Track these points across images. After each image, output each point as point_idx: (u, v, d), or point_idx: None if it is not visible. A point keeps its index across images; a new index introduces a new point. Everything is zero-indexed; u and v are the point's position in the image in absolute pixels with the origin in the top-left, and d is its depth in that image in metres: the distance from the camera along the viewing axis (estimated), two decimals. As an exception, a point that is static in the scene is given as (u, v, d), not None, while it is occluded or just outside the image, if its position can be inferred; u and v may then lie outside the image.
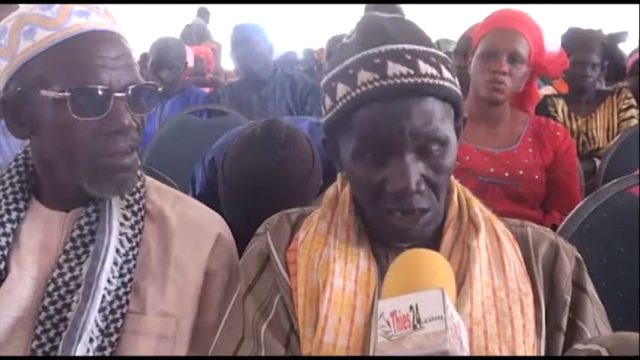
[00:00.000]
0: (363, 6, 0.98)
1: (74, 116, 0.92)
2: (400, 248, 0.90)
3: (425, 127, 0.86)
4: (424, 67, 0.87)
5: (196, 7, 8.24)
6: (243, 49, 3.06)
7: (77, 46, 0.94)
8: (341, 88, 0.90)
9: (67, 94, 0.92)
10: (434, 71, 0.87)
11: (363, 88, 0.87)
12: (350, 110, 0.88)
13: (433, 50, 0.90)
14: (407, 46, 0.88)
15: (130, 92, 0.95)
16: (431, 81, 0.87)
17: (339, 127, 0.92)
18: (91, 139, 0.94)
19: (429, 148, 0.87)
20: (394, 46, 0.88)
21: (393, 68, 0.86)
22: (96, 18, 0.97)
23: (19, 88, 0.95)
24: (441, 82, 0.88)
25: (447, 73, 0.89)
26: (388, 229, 0.92)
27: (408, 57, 0.87)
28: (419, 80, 0.86)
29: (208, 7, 8.27)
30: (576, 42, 2.71)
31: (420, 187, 0.87)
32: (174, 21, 7.47)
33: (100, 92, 0.93)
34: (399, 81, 0.86)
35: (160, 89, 1.03)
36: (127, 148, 0.97)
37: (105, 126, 0.94)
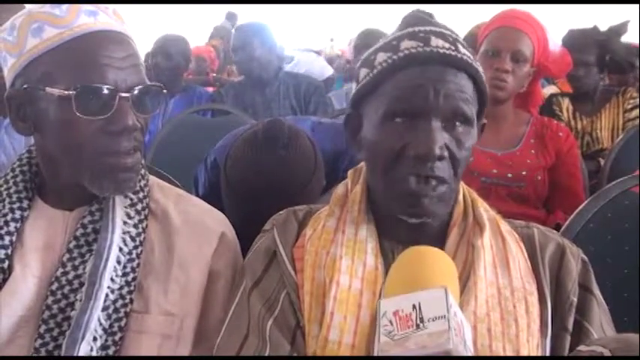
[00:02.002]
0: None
1: (78, 114, 0.92)
2: (407, 245, 0.89)
3: (457, 94, 0.90)
4: (463, 50, 0.93)
5: (224, 9, 8.34)
6: (242, 55, 3.05)
7: (84, 45, 0.94)
8: (381, 56, 0.94)
9: (72, 92, 0.92)
10: (470, 56, 0.94)
11: (406, 52, 0.92)
12: (388, 72, 0.92)
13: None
14: (449, 32, 0.95)
15: (135, 93, 0.95)
16: (469, 61, 0.93)
17: (371, 94, 0.94)
18: (94, 137, 0.94)
19: (454, 122, 0.90)
20: (438, 28, 0.94)
21: (436, 42, 0.92)
22: (104, 18, 0.98)
23: (25, 85, 0.95)
24: (476, 66, 0.94)
25: (480, 66, 0.95)
26: (400, 198, 0.91)
27: (450, 38, 0.93)
28: (458, 55, 0.92)
29: (236, 9, 8.36)
30: (566, 43, 2.66)
31: (442, 154, 0.89)
32: (202, 23, 7.64)
33: (105, 91, 0.93)
34: (441, 51, 0.91)
35: (164, 91, 1.03)
36: (130, 149, 0.97)
37: (108, 125, 0.94)
